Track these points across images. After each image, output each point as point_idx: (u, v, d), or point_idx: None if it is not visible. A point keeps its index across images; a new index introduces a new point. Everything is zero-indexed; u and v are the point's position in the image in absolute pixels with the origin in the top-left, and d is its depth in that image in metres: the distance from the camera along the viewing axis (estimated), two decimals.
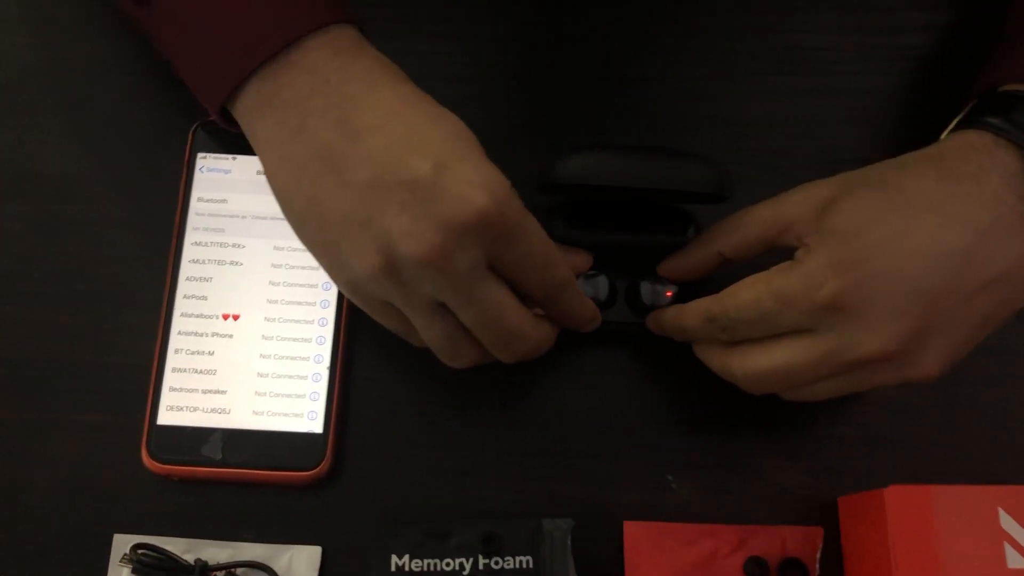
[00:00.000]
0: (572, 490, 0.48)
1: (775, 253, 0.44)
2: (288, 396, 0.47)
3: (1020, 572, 0.39)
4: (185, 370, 0.48)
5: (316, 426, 0.47)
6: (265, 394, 0.47)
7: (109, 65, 0.54)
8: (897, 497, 0.41)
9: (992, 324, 0.40)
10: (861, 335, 0.38)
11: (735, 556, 0.46)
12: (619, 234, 0.48)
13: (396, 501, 0.48)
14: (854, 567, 0.46)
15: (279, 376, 0.48)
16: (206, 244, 0.49)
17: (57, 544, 0.47)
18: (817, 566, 0.46)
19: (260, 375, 0.48)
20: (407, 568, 0.45)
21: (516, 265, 0.39)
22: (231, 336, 0.48)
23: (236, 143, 0.50)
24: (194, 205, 0.50)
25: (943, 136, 0.44)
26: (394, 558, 0.46)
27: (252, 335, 0.48)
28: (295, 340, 0.48)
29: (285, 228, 0.49)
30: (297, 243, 0.48)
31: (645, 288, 0.47)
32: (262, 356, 0.48)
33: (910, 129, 0.53)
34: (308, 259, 0.49)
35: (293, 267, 0.49)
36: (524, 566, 0.46)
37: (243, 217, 0.50)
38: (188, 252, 0.49)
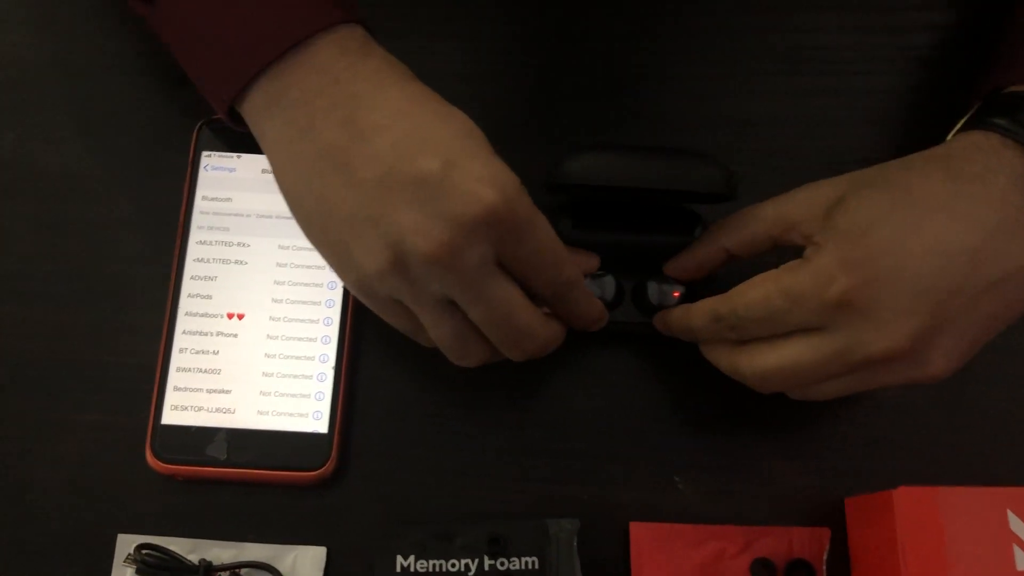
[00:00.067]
0: (578, 491, 0.48)
1: (777, 253, 0.44)
2: (293, 396, 0.47)
3: None
4: (189, 369, 0.48)
5: (321, 426, 0.47)
6: (270, 394, 0.47)
7: (112, 63, 0.54)
8: (905, 498, 0.41)
9: (999, 324, 0.40)
10: (871, 333, 0.38)
11: (742, 557, 0.46)
12: (625, 234, 0.48)
13: (401, 501, 0.47)
14: (861, 568, 0.45)
15: (284, 376, 0.48)
16: (211, 243, 0.49)
17: (61, 544, 0.47)
18: (824, 567, 0.46)
19: (265, 375, 0.48)
20: (412, 569, 0.45)
21: (525, 262, 0.39)
22: (236, 335, 0.48)
23: (241, 141, 0.50)
24: (198, 204, 0.50)
25: (949, 137, 0.44)
26: (399, 559, 0.45)
27: (257, 334, 0.48)
28: (300, 339, 0.48)
29: (290, 227, 0.49)
30: (302, 242, 0.48)
31: (652, 288, 0.47)
32: (267, 356, 0.48)
33: (914, 129, 0.53)
34: (313, 258, 0.49)
35: (298, 266, 0.49)
36: (530, 567, 0.45)
37: (248, 216, 0.50)
38: (192, 251, 0.49)
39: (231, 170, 0.51)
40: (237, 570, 0.46)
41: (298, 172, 0.40)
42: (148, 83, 0.53)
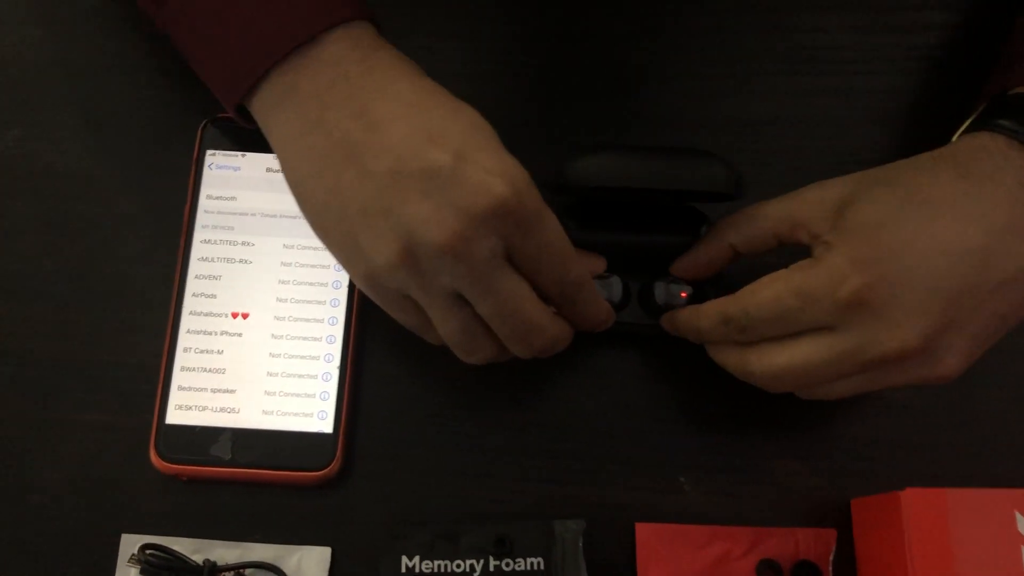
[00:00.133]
0: (583, 491, 0.48)
1: (776, 253, 0.44)
2: (298, 396, 0.47)
3: None
4: (194, 369, 0.47)
5: (326, 426, 0.47)
6: (275, 393, 0.47)
7: (117, 62, 0.54)
8: (913, 500, 0.41)
9: (1007, 324, 0.40)
10: (884, 332, 0.38)
11: (747, 558, 0.46)
12: (631, 234, 0.48)
13: (406, 502, 0.47)
14: (868, 570, 0.45)
15: (289, 375, 0.47)
16: (215, 242, 0.49)
17: (64, 544, 0.46)
18: (830, 568, 0.46)
19: (270, 374, 0.47)
20: (417, 569, 0.45)
21: (534, 258, 0.39)
22: (240, 335, 0.48)
23: (245, 140, 0.50)
24: (203, 203, 0.50)
25: (955, 138, 0.44)
26: (404, 559, 0.45)
27: (262, 334, 0.48)
28: (305, 339, 0.48)
29: (295, 226, 0.49)
30: (307, 241, 0.49)
31: (659, 288, 0.46)
32: (272, 355, 0.48)
33: (916, 129, 0.53)
34: (318, 257, 0.49)
35: (303, 265, 0.49)
36: (535, 568, 0.45)
37: (252, 215, 0.50)
38: (197, 250, 0.49)
39: (236, 169, 0.50)
40: (241, 570, 0.45)
41: (307, 165, 0.40)
42: (152, 81, 0.53)
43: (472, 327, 0.41)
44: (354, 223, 0.38)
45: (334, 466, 0.46)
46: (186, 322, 0.48)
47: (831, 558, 0.46)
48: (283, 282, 0.49)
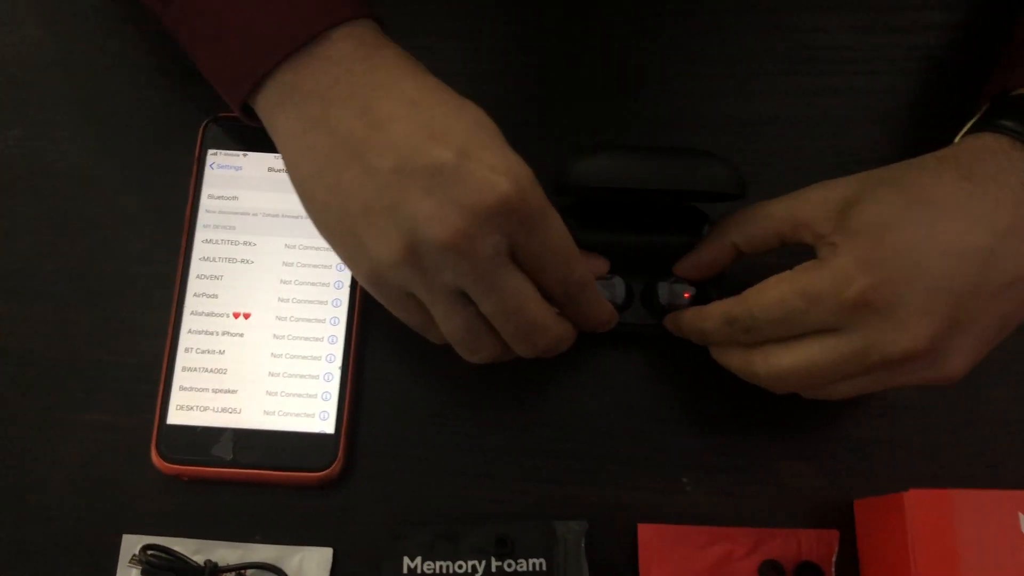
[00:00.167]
0: (585, 492, 0.47)
1: (777, 253, 0.44)
2: (300, 396, 0.47)
3: None
4: (195, 369, 0.47)
5: (328, 426, 0.47)
6: (276, 394, 0.47)
7: (118, 61, 0.54)
8: (917, 501, 0.41)
9: (1012, 325, 0.40)
10: (891, 333, 0.38)
11: (750, 559, 0.46)
12: (632, 235, 0.48)
13: (408, 502, 0.47)
14: (871, 571, 0.45)
15: (291, 375, 0.47)
16: (217, 242, 0.49)
17: (65, 545, 0.46)
18: (833, 569, 0.46)
19: (271, 374, 0.47)
20: (419, 570, 0.45)
21: (537, 256, 0.39)
22: (242, 335, 0.48)
23: (247, 139, 0.50)
24: (204, 202, 0.50)
25: (957, 139, 0.44)
26: (406, 560, 0.45)
27: (263, 334, 0.48)
28: (307, 339, 0.48)
29: (297, 226, 0.49)
30: (309, 241, 0.49)
31: (663, 289, 0.46)
32: (273, 355, 0.48)
33: (920, 128, 0.53)
34: (320, 257, 0.49)
35: (305, 265, 0.49)
36: (537, 568, 0.45)
37: (254, 214, 0.49)
38: (198, 250, 0.49)
39: (237, 168, 0.50)
40: (243, 571, 0.45)
41: (311, 163, 0.40)
42: (153, 80, 0.53)
43: (475, 325, 0.41)
44: (357, 221, 0.38)
45: (336, 466, 0.46)
46: (187, 322, 0.48)
47: (834, 559, 0.46)
48: (285, 282, 0.49)
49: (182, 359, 0.47)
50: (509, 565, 0.45)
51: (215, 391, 0.47)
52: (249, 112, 0.42)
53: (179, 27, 0.43)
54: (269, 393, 0.47)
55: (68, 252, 0.51)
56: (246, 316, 0.48)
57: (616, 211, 0.48)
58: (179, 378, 0.47)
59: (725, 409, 0.49)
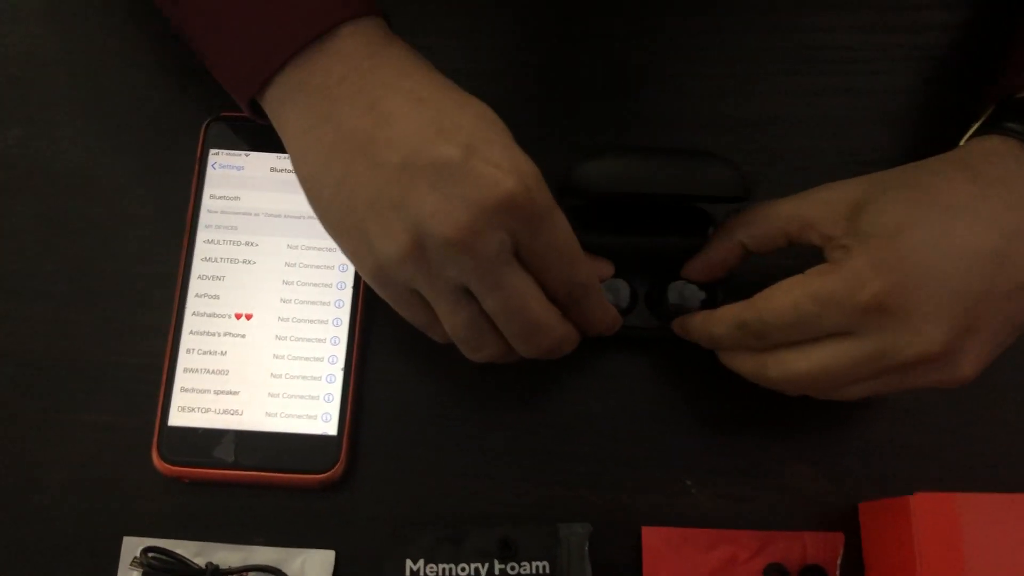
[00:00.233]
0: (589, 494, 0.47)
1: (779, 254, 0.44)
2: (302, 397, 0.47)
3: None
4: (197, 370, 0.47)
5: (330, 428, 0.46)
6: (278, 395, 0.47)
7: (119, 60, 0.53)
8: (923, 505, 0.41)
9: (1021, 329, 0.40)
10: (906, 337, 0.38)
11: (754, 562, 0.46)
12: (637, 237, 0.47)
13: (410, 504, 0.47)
14: (876, 574, 0.45)
15: (293, 377, 0.47)
16: (218, 242, 0.49)
17: (65, 546, 0.46)
18: (838, 573, 0.45)
19: (273, 376, 0.47)
20: (422, 573, 0.45)
21: (542, 256, 0.39)
22: (244, 336, 0.48)
23: (249, 139, 0.50)
24: (206, 202, 0.49)
25: (963, 141, 0.44)
26: (409, 562, 0.45)
27: (265, 335, 0.48)
28: (309, 340, 0.48)
29: (299, 226, 0.49)
30: (311, 241, 0.48)
31: (673, 292, 0.46)
32: (275, 356, 0.47)
33: (925, 128, 0.52)
34: (322, 257, 0.49)
35: (307, 266, 0.49)
36: (540, 571, 0.45)
37: (256, 215, 0.49)
38: (200, 250, 0.49)
39: (239, 168, 0.50)
40: (244, 574, 0.45)
41: (318, 158, 0.40)
42: (154, 80, 0.53)
43: (478, 323, 0.40)
44: (362, 216, 0.38)
45: (338, 468, 0.46)
46: (189, 323, 0.48)
47: (839, 562, 0.46)
48: (287, 283, 0.48)
49: (183, 360, 0.47)
50: (512, 568, 0.45)
51: (217, 392, 0.47)
52: (257, 109, 0.42)
53: (187, 25, 0.43)
54: (271, 394, 0.47)
55: (68, 252, 0.50)
56: (248, 317, 0.48)
57: (619, 213, 0.47)
58: (180, 379, 0.47)
59: (729, 411, 0.48)
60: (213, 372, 0.47)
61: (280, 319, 0.48)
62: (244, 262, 0.48)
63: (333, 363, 0.47)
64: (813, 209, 0.42)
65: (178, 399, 0.47)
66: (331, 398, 0.47)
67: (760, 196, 0.44)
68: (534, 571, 0.45)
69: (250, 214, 0.49)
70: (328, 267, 0.49)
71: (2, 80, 0.53)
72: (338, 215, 0.40)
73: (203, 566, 0.45)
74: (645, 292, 0.47)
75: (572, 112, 0.53)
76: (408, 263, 0.38)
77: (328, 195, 0.40)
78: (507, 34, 0.54)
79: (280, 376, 0.47)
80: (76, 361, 0.48)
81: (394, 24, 0.43)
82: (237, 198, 0.49)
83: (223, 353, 0.47)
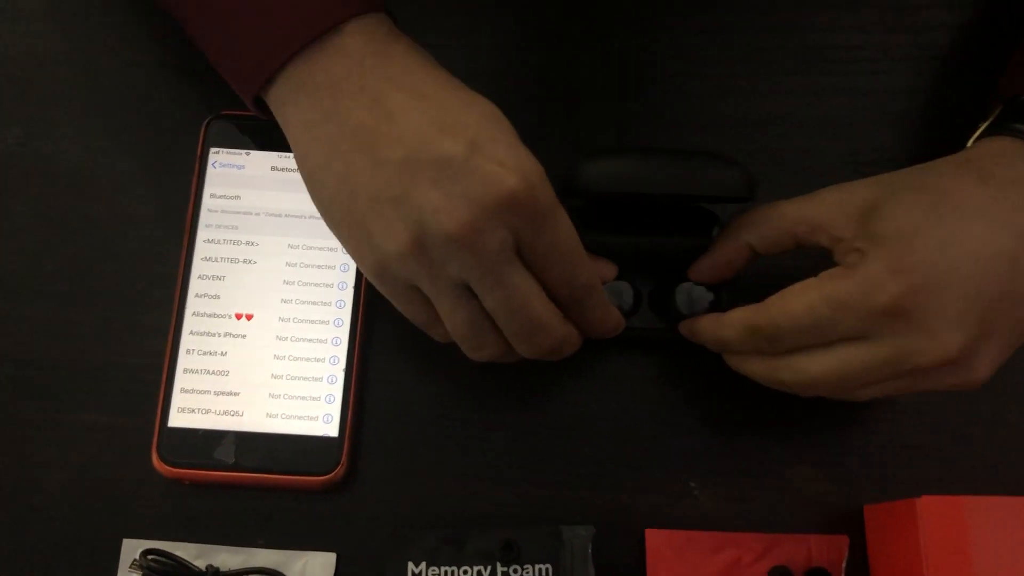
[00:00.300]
0: (592, 497, 0.47)
1: (779, 255, 0.44)
2: (303, 398, 0.46)
3: None
4: (197, 371, 0.47)
5: (331, 429, 0.46)
6: (279, 396, 0.46)
7: (119, 59, 0.53)
8: (930, 508, 0.40)
9: None
10: (923, 341, 0.37)
11: (759, 564, 0.45)
12: (641, 237, 0.47)
13: (412, 507, 0.47)
14: None
15: (294, 378, 0.47)
16: (219, 242, 0.48)
17: (65, 548, 0.46)
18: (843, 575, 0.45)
19: (274, 376, 0.47)
20: (424, 575, 0.45)
21: (544, 256, 0.39)
22: (244, 336, 0.47)
23: (250, 138, 0.50)
24: (207, 201, 0.49)
25: (970, 142, 0.44)
26: (411, 565, 0.45)
27: (266, 335, 0.47)
28: (310, 341, 0.47)
29: (300, 225, 0.49)
30: (313, 241, 0.48)
31: (681, 294, 0.46)
32: (276, 357, 0.47)
33: (930, 128, 0.52)
34: (324, 257, 0.48)
35: (308, 265, 0.48)
36: (543, 574, 0.45)
37: (257, 214, 0.49)
38: (200, 250, 0.48)
39: (240, 167, 0.50)
40: None
41: (321, 153, 0.40)
42: (155, 78, 0.53)
43: (479, 321, 0.40)
44: (365, 211, 0.38)
45: (339, 470, 0.46)
46: (189, 323, 0.47)
47: (844, 565, 0.45)
48: (288, 283, 0.48)
49: (183, 361, 0.47)
50: (515, 570, 0.45)
51: (217, 393, 0.46)
52: (261, 105, 0.42)
53: (191, 22, 0.43)
54: (272, 395, 0.47)
55: (68, 251, 0.50)
56: (248, 317, 0.48)
57: (623, 213, 0.47)
58: (180, 380, 0.47)
59: (733, 413, 0.48)
60: (213, 373, 0.47)
61: (281, 319, 0.48)
62: (245, 262, 0.48)
63: (334, 364, 0.47)
64: (822, 211, 0.42)
65: (178, 400, 0.46)
66: (332, 399, 0.47)
67: (761, 196, 0.44)
68: (537, 574, 0.45)
69: (251, 213, 0.49)
70: (329, 267, 0.48)
71: (2, 80, 0.53)
72: (340, 211, 0.40)
73: (203, 568, 0.45)
74: (649, 293, 0.47)
75: (572, 112, 0.53)
76: (409, 260, 0.38)
77: (330, 191, 0.40)
78: (507, 34, 0.54)
79: (281, 377, 0.47)
80: (76, 361, 0.48)
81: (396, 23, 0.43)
82: (238, 197, 0.49)
83: (223, 354, 0.47)
